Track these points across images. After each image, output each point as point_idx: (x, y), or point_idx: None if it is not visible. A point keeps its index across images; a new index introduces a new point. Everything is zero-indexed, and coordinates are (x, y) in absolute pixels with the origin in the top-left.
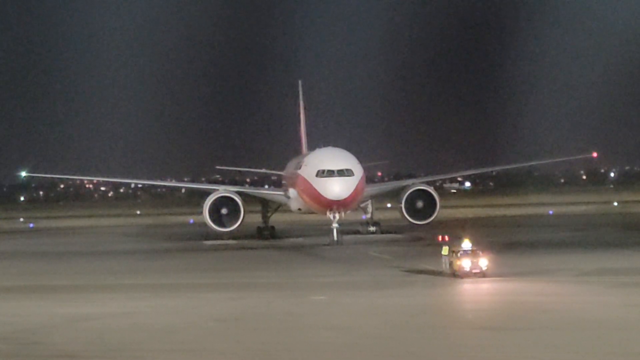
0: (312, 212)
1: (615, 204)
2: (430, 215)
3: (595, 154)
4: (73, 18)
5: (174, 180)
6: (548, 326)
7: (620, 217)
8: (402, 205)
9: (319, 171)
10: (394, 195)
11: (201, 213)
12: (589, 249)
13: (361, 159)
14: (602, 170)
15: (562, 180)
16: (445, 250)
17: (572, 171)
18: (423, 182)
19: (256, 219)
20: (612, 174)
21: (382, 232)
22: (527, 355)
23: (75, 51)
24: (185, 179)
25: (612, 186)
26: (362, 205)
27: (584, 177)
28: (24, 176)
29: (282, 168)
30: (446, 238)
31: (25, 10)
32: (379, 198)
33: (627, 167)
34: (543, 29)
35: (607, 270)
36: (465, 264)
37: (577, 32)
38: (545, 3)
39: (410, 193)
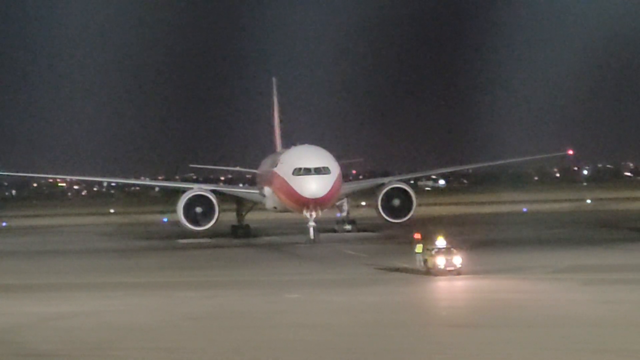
0: (288, 211)
1: (589, 201)
2: (407, 214)
3: (571, 152)
4: (43, 15)
5: (147, 179)
6: (522, 323)
7: (594, 215)
8: (379, 203)
9: (295, 169)
10: (370, 193)
11: (175, 212)
12: (562, 247)
13: (336, 157)
14: (575, 168)
15: (536, 178)
16: (418, 248)
17: (546, 169)
18: (399, 180)
19: (231, 217)
20: (585, 172)
21: (358, 231)
22: (501, 352)
23: (48, 49)
24: (159, 178)
25: (585, 184)
26: (338, 203)
27: (558, 174)
28: None
29: (256, 166)
30: (419, 236)
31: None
32: (354, 196)
33: (599, 165)
34: (515, 27)
35: (580, 268)
36: (439, 261)
37: (550, 31)
38: (517, 2)
39: (387, 191)
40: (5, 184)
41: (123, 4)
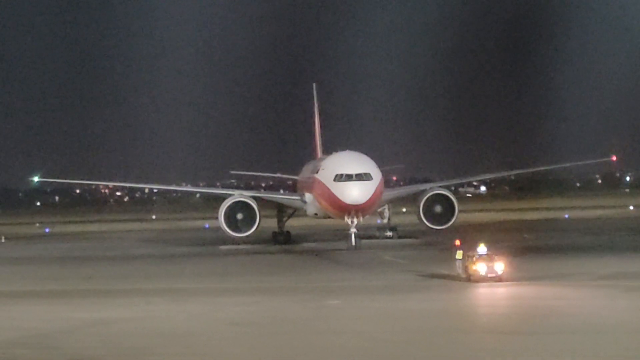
0: (329, 217)
1: (631, 208)
2: (449, 220)
3: (614, 158)
4: (88, 24)
5: (189, 185)
6: (564, 330)
7: (636, 221)
8: (420, 209)
9: (337, 175)
10: (411, 199)
11: (216, 218)
12: (605, 253)
13: (377, 163)
14: (618, 174)
15: (578, 184)
16: (459, 254)
17: (588, 175)
18: (441, 187)
19: (271, 224)
20: (627, 178)
21: (399, 237)
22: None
23: (90, 56)
24: (201, 184)
25: (627, 190)
26: (379, 210)
27: (600, 181)
28: (37, 181)
29: (297, 173)
30: (459, 242)
31: (40, 13)
32: (395, 202)
33: None
34: (562, 32)
35: (623, 274)
36: (480, 268)
37: (592, 35)
38: (566, 7)
39: (428, 198)
40: (49, 190)
41: (166, 14)
